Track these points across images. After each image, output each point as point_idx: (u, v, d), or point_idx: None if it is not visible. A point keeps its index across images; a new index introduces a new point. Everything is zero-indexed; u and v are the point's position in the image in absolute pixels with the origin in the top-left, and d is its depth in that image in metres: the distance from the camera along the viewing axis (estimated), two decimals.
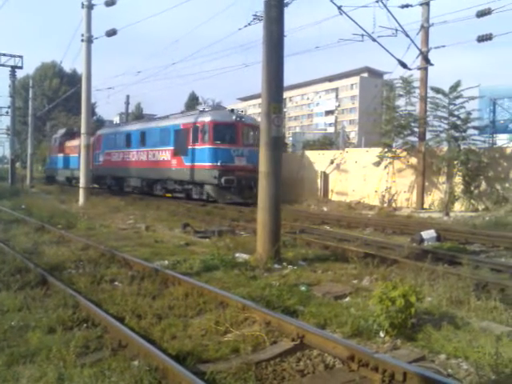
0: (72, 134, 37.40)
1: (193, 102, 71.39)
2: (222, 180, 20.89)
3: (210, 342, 4.99)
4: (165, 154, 24.38)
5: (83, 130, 21.25)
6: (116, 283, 7.37)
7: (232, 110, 22.87)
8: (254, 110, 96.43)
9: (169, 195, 24.66)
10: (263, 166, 9.20)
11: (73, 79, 63.91)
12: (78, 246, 10.26)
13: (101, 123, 39.54)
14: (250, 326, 5.45)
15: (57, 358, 4.46)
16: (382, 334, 5.30)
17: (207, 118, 22.04)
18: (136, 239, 11.73)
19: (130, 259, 8.63)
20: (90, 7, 20.63)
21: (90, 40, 20.80)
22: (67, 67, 68.28)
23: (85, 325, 5.46)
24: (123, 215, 16.72)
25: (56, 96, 54.96)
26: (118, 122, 50.62)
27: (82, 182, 21.26)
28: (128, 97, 43.51)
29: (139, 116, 54.47)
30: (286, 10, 11.47)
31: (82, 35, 20.83)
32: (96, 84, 62.00)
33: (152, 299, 6.41)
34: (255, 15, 13.16)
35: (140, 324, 5.48)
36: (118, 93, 34.94)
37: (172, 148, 23.92)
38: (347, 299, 6.77)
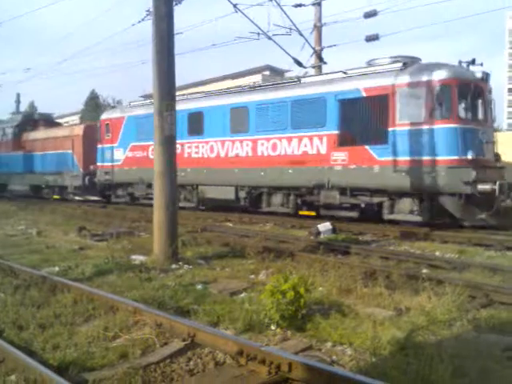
0: (34, 123, 28.16)
1: (93, 101, 68.46)
2: (486, 186, 11.62)
3: (96, 349, 4.79)
4: (310, 143, 14.53)
5: None
6: None
7: (473, 62, 12.79)
8: None
9: (308, 213, 15.28)
10: (158, 166, 9.09)
11: None
12: None
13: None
14: (140, 329, 5.30)
15: None
16: (273, 327, 5.39)
17: (440, 75, 12.30)
18: (25, 246, 11.07)
19: (15, 267, 8.09)
20: None
21: None
22: None
23: None
24: (13, 221, 15.74)
25: None
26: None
27: None
28: (18, 95, 40.61)
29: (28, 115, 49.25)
30: (181, 7, 11.33)
31: None
32: None
33: (37, 308, 6.03)
34: (148, 11, 12.85)
35: (21, 336, 5.13)
36: (7, 91, 32.44)
37: (333, 133, 13.96)
38: (242, 295, 6.82)
